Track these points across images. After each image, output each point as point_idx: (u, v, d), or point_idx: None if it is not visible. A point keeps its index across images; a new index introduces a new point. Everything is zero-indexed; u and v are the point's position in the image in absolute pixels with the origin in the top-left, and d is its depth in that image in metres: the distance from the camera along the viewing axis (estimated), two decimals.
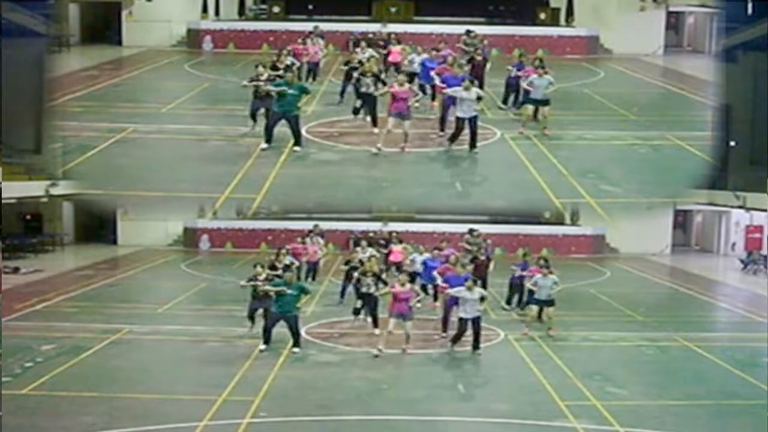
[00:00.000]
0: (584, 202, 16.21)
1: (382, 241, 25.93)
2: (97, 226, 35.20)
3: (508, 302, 22.15)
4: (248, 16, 31.68)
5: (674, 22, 32.45)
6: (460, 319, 17.62)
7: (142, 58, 27.67)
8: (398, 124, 17.42)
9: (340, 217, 30.68)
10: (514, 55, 22.48)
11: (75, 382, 15.33)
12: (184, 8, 30.25)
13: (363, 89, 18.32)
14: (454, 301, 18.04)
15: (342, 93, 20.71)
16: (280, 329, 18.27)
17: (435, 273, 19.17)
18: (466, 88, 17.24)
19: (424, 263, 21.00)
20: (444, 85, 17.76)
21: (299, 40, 22.74)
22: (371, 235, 29.15)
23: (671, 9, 31.47)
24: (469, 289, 17.31)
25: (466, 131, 17.53)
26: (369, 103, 18.25)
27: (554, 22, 30.83)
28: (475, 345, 17.64)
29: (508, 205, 16.65)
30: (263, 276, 18.23)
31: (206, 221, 33.94)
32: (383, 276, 19.35)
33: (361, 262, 19.80)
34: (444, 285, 18.36)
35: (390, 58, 21.25)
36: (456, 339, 17.74)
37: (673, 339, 19.50)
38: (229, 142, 18.24)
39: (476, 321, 17.51)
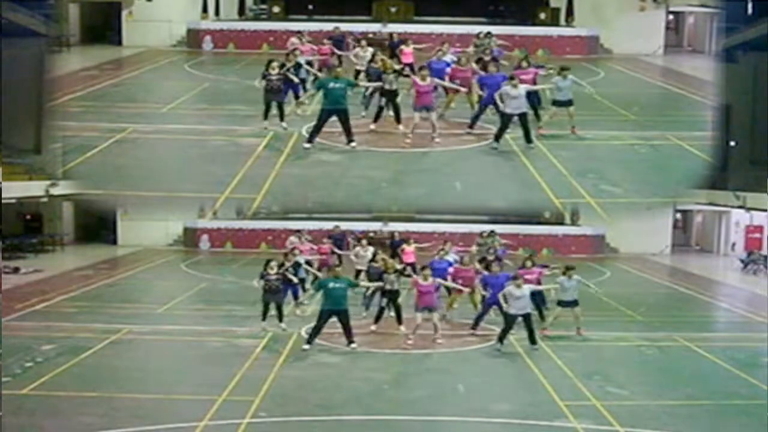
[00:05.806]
0: (584, 202, 16.20)
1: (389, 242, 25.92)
2: (97, 226, 35.20)
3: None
4: (248, 16, 31.70)
5: (674, 22, 32.46)
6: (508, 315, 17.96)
7: (142, 58, 27.66)
8: (425, 116, 17.80)
9: (340, 217, 30.67)
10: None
11: (75, 382, 15.33)
12: (184, 8, 30.26)
13: (386, 86, 18.44)
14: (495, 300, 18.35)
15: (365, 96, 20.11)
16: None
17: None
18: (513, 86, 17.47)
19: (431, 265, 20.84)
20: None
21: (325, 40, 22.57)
22: (371, 235, 29.12)
23: (671, 9, 31.48)
24: (518, 287, 17.64)
25: None
26: (392, 99, 18.52)
27: (554, 22, 30.85)
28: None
29: (508, 205, 16.65)
30: (274, 272, 18.39)
31: (206, 221, 33.92)
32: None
33: (383, 260, 20.06)
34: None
35: (404, 59, 21.26)
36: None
37: (673, 339, 19.49)
38: (229, 142, 18.24)
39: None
